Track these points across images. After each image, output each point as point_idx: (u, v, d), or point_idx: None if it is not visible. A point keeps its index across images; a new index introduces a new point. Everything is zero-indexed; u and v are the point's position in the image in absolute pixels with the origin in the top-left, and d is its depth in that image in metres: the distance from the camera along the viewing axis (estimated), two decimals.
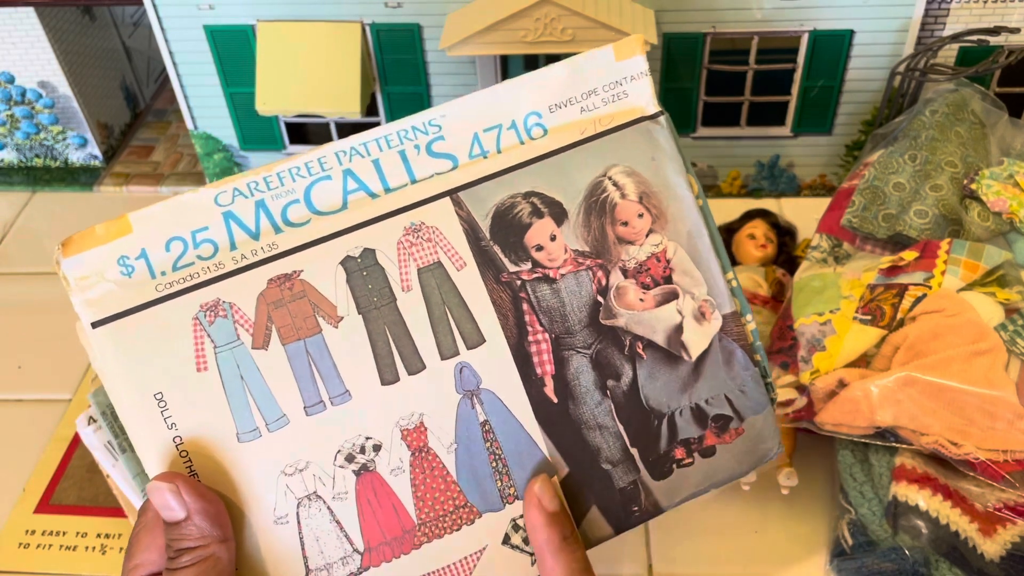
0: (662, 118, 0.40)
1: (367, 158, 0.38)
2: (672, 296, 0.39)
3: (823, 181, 0.81)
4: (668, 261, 0.39)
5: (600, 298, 0.39)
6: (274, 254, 0.37)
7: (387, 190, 0.38)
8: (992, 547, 0.47)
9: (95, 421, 0.42)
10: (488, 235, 0.38)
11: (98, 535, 0.58)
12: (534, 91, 0.39)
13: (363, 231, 0.37)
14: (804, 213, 0.74)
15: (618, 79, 0.40)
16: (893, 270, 0.55)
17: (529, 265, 0.38)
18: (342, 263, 0.37)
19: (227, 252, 0.36)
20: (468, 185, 0.38)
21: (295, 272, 0.37)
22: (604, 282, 0.39)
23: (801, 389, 0.53)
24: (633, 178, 0.39)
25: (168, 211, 0.36)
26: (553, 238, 0.38)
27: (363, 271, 0.37)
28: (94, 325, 0.35)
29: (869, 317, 0.53)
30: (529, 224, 0.38)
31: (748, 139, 0.79)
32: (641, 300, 0.39)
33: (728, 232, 0.72)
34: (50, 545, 0.57)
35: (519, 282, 0.38)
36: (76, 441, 0.63)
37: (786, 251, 0.69)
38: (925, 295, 0.52)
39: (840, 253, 0.61)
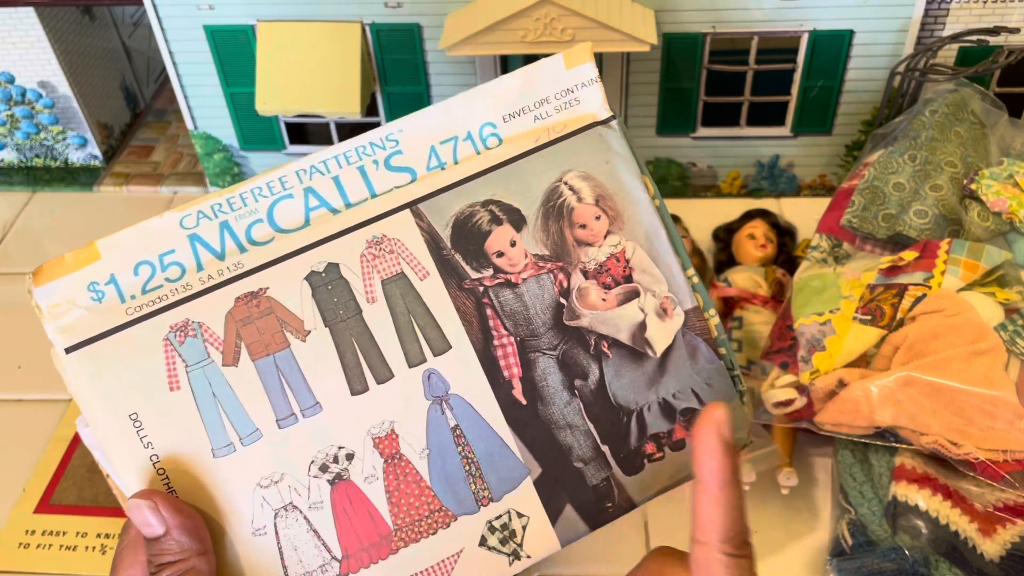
0: (614, 122, 0.41)
1: (327, 175, 0.39)
2: (633, 295, 0.40)
3: (823, 181, 0.81)
4: (627, 261, 0.40)
5: (563, 300, 0.39)
6: (240, 273, 0.38)
7: (348, 205, 0.39)
8: (992, 547, 0.47)
9: None
10: (449, 244, 0.39)
11: (98, 535, 0.58)
12: (487, 102, 0.40)
13: (326, 246, 0.38)
14: (804, 213, 0.74)
15: (569, 87, 0.41)
16: (893, 270, 0.55)
17: (491, 271, 0.39)
18: (307, 278, 0.38)
19: (194, 273, 0.37)
20: (427, 196, 0.39)
21: (261, 289, 0.38)
22: (566, 284, 0.40)
23: (801, 389, 0.53)
24: (589, 182, 0.40)
25: (135, 236, 0.37)
26: (513, 244, 0.39)
27: (328, 285, 0.38)
28: (68, 351, 0.36)
29: (869, 317, 0.53)
30: (489, 231, 0.39)
31: (748, 139, 0.79)
32: (603, 300, 0.40)
33: (728, 232, 0.72)
34: (50, 545, 0.57)
35: (482, 288, 0.39)
36: (76, 441, 0.63)
37: (786, 251, 0.69)
38: (925, 295, 0.52)
39: (840, 253, 0.61)
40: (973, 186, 0.59)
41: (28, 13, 0.79)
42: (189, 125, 0.81)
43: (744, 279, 0.66)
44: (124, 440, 0.36)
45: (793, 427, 0.55)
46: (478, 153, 0.40)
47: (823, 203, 0.66)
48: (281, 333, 0.37)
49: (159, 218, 0.38)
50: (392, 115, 0.78)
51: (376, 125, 0.79)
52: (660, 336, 0.40)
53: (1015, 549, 0.46)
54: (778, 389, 0.53)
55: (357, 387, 0.37)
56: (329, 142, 0.82)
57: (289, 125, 0.81)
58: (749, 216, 0.72)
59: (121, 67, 0.93)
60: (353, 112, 0.72)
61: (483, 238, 0.39)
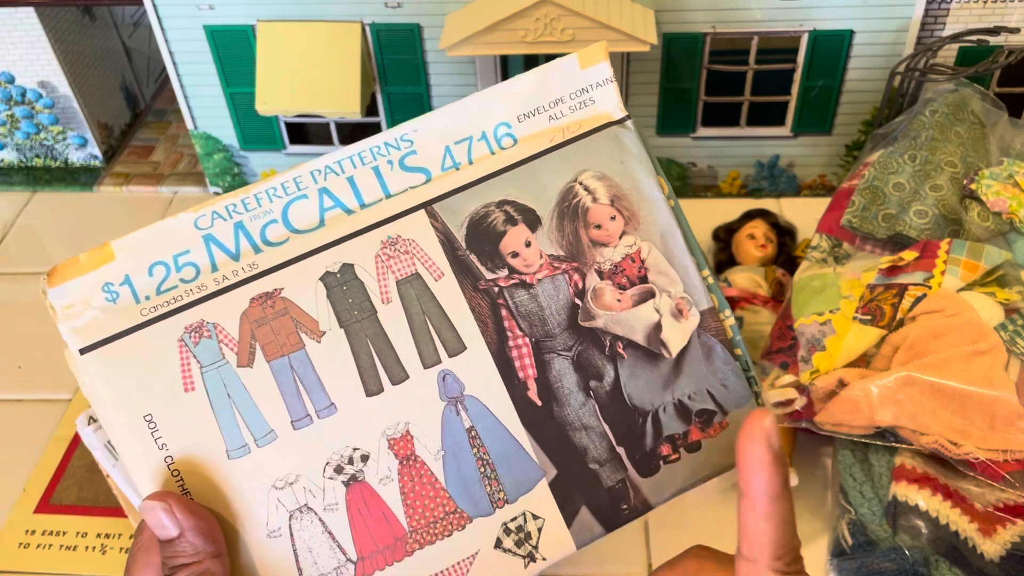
0: (629, 122, 0.41)
1: (342, 175, 0.39)
2: (649, 295, 0.40)
3: (823, 181, 0.81)
4: (643, 261, 0.40)
5: (578, 300, 0.39)
6: (255, 273, 0.37)
7: (363, 206, 0.39)
8: (992, 547, 0.47)
9: (95, 421, 0.42)
10: (464, 244, 0.39)
11: (98, 535, 0.58)
12: (502, 102, 0.40)
13: (341, 247, 0.38)
14: (804, 213, 0.74)
15: (584, 86, 0.41)
16: (893, 270, 0.55)
17: (506, 272, 0.39)
18: (322, 279, 0.38)
19: (209, 274, 0.37)
20: (442, 197, 0.39)
21: (276, 290, 0.37)
22: (581, 285, 0.39)
23: (801, 389, 0.53)
24: (604, 182, 0.40)
25: (149, 237, 0.37)
26: (528, 244, 0.39)
27: (343, 286, 0.38)
28: (82, 351, 0.36)
29: (869, 317, 0.53)
30: (503, 232, 0.39)
31: (748, 139, 0.79)
32: (618, 300, 0.39)
33: (728, 232, 0.72)
34: (50, 545, 0.57)
35: (496, 289, 0.39)
36: (76, 441, 0.63)
37: (786, 251, 0.69)
38: (925, 295, 0.52)
39: (840, 253, 0.61)
40: (973, 186, 0.59)
41: (28, 13, 0.79)
42: (189, 125, 0.81)
43: (744, 279, 0.66)
44: (138, 441, 0.36)
45: (793, 427, 0.55)
46: (493, 153, 0.40)
47: (823, 203, 0.66)
48: (296, 334, 0.37)
49: (174, 219, 0.37)
50: (392, 115, 0.78)
51: (376, 125, 0.79)
52: (675, 337, 0.39)
53: (1015, 549, 0.46)
54: (778, 389, 0.53)
55: (372, 388, 0.37)
56: (329, 142, 0.82)
57: (289, 125, 0.81)
58: (749, 216, 0.72)
59: (121, 67, 0.93)
60: (353, 112, 0.72)
61: (498, 238, 0.39)
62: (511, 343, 0.39)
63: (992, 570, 0.46)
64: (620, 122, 0.41)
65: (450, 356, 0.38)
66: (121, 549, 0.57)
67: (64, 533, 0.58)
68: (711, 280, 0.41)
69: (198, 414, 0.36)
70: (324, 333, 0.37)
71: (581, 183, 0.40)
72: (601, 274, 0.39)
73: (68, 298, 0.36)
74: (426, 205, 0.39)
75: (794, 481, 0.53)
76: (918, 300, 0.52)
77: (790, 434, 0.56)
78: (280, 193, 0.38)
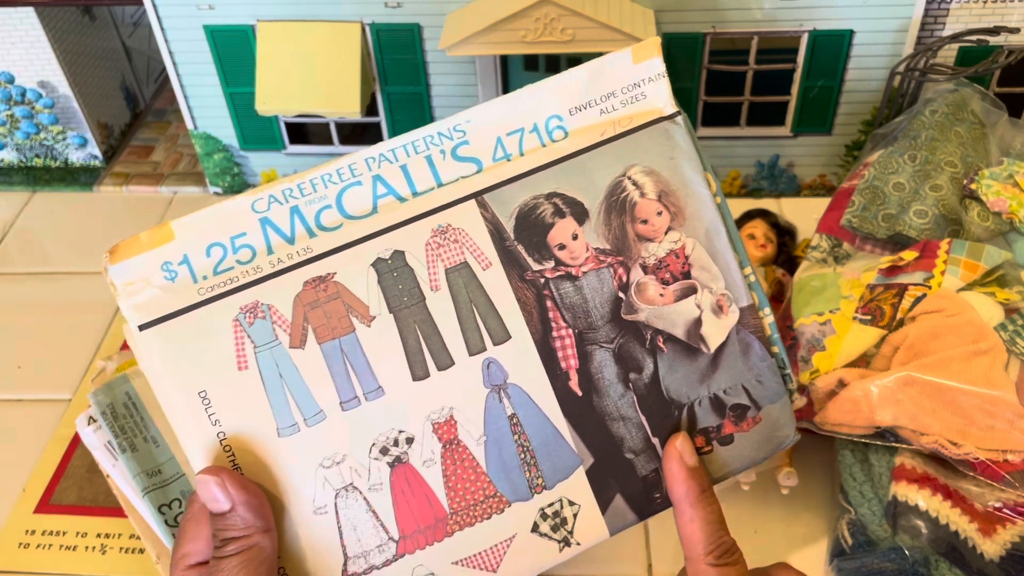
0: (679, 118, 0.41)
1: (395, 164, 0.39)
2: (691, 291, 0.40)
3: (823, 181, 0.81)
4: (687, 257, 0.40)
5: (621, 294, 0.40)
6: (309, 257, 0.38)
7: (415, 194, 0.39)
8: (992, 547, 0.47)
9: (95, 421, 0.42)
10: (512, 235, 0.39)
11: (98, 535, 0.58)
12: (555, 95, 0.40)
13: (393, 234, 0.39)
14: (804, 213, 0.74)
15: (636, 81, 0.41)
16: (893, 270, 0.55)
17: (552, 264, 0.40)
18: (373, 265, 0.38)
19: (264, 256, 0.38)
20: (492, 187, 0.40)
21: (329, 274, 0.38)
22: (625, 279, 0.40)
23: (801, 389, 0.53)
24: (652, 177, 0.40)
25: (208, 218, 0.38)
26: (575, 237, 0.40)
27: (393, 272, 0.39)
28: (141, 328, 0.37)
29: (869, 317, 0.53)
30: (552, 224, 0.39)
31: (748, 139, 0.79)
32: (661, 295, 0.40)
33: None
34: (50, 545, 0.57)
35: (543, 280, 0.39)
36: (76, 441, 0.63)
37: (786, 251, 0.69)
38: (925, 295, 0.52)
39: (840, 253, 0.61)
40: (973, 186, 0.59)
41: (28, 13, 0.79)
42: (189, 125, 0.81)
43: None
44: (193, 417, 0.37)
45: None
46: (544, 145, 0.40)
47: (823, 203, 0.66)
48: (347, 317, 0.38)
49: (232, 201, 0.38)
50: (392, 115, 0.78)
51: (376, 125, 0.79)
52: (715, 332, 0.40)
53: (1015, 549, 0.46)
54: None
55: (419, 373, 0.38)
56: (329, 142, 0.82)
57: (289, 125, 0.81)
58: (749, 216, 0.72)
59: (121, 67, 0.93)
60: (353, 112, 0.72)
61: (546, 230, 0.39)
62: (555, 334, 0.39)
63: (992, 570, 0.46)
64: (671, 117, 0.41)
65: (495, 344, 0.39)
66: (121, 549, 0.57)
67: (64, 533, 0.58)
68: (752, 278, 0.41)
69: (251, 392, 0.37)
70: (374, 318, 0.38)
71: (630, 178, 0.40)
72: (645, 268, 0.40)
73: (129, 275, 0.37)
74: (476, 195, 0.39)
75: (793, 481, 0.54)
76: (918, 300, 0.52)
77: None
78: (335, 179, 0.39)
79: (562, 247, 0.39)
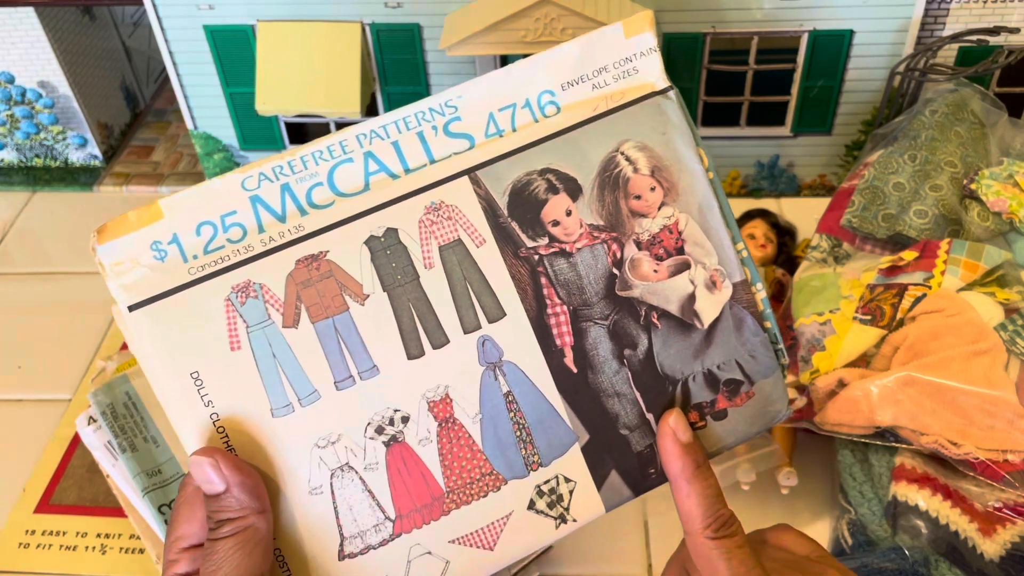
0: (671, 92, 0.41)
1: (387, 140, 0.39)
2: (684, 267, 0.40)
3: (823, 181, 0.81)
4: (680, 233, 0.40)
5: (615, 270, 0.40)
6: (301, 236, 0.38)
7: (407, 171, 0.39)
8: (992, 547, 0.47)
9: (95, 421, 0.42)
10: (506, 212, 0.39)
11: (98, 535, 0.58)
12: (547, 70, 0.40)
13: (385, 211, 0.38)
14: (804, 213, 0.74)
15: (628, 56, 0.41)
16: (893, 270, 0.55)
17: (546, 240, 0.39)
18: (366, 243, 0.38)
19: (255, 235, 0.38)
20: (485, 164, 0.39)
21: (321, 252, 0.38)
22: (619, 255, 0.40)
23: (801, 389, 0.53)
24: (645, 152, 0.40)
25: (197, 196, 0.37)
26: (569, 213, 0.40)
27: (387, 250, 0.38)
28: (131, 308, 0.36)
29: (869, 317, 0.53)
30: (545, 200, 0.39)
31: (748, 139, 0.79)
32: (655, 271, 0.40)
33: None
34: (50, 545, 0.57)
35: (537, 257, 0.39)
36: (76, 441, 0.63)
37: (786, 251, 0.69)
38: (925, 295, 0.52)
39: (840, 253, 0.61)
40: (973, 186, 0.59)
41: (28, 13, 0.79)
42: (189, 125, 0.81)
43: None
44: (185, 398, 0.36)
45: (793, 427, 0.55)
46: (536, 121, 0.40)
47: (823, 203, 0.66)
48: (340, 296, 0.38)
49: (221, 179, 0.38)
50: None
51: None
52: (708, 308, 0.40)
53: (1015, 549, 0.46)
54: None
55: (413, 351, 0.38)
56: None
57: (289, 125, 0.81)
58: (749, 216, 0.72)
59: (121, 67, 0.93)
60: (353, 112, 0.72)
61: (539, 207, 0.39)
62: (549, 311, 0.39)
63: (992, 570, 0.46)
64: (663, 92, 0.41)
65: (490, 322, 0.39)
66: (121, 549, 0.57)
67: (64, 533, 0.58)
68: (745, 253, 0.41)
69: (244, 373, 0.37)
70: (368, 296, 0.38)
71: (623, 153, 0.40)
72: (639, 244, 0.40)
73: (117, 255, 0.37)
74: (469, 172, 0.39)
75: (793, 481, 0.54)
76: (918, 300, 0.52)
77: (790, 434, 0.56)
78: (326, 156, 0.39)
79: (556, 223, 0.39)
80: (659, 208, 0.40)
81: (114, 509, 0.59)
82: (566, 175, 0.40)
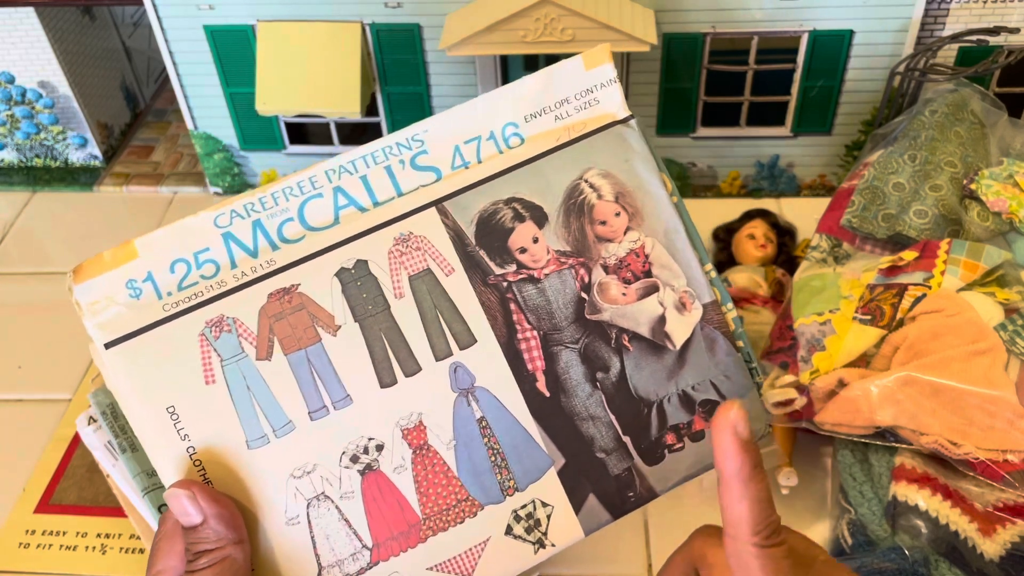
0: (632, 121, 0.42)
1: (355, 175, 0.40)
2: (653, 289, 0.41)
3: (823, 181, 0.81)
4: (647, 256, 0.41)
5: (584, 295, 0.40)
6: (272, 270, 0.39)
7: (376, 204, 0.40)
8: (992, 547, 0.47)
9: (95, 421, 0.42)
10: (474, 241, 0.40)
11: (98, 535, 0.58)
12: (510, 102, 0.41)
13: (355, 244, 0.39)
14: (804, 213, 0.74)
15: (588, 87, 0.42)
16: (893, 270, 0.55)
17: (514, 267, 0.40)
18: (337, 275, 0.39)
19: (228, 270, 0.38)
20: (452, 195, 0.40)
21: (293, 286, 0.39)
22: (587, 279, 0.40)
23: (801, 389, 0.53)
24: (608, 179, 0.41)
25: (171, 235, 0.38)
26: (535, 240, 0.40)
27: (357, 281, 0.39)
28: (107, 346, 0.37)
29: (869, 317, 0.53)
30: (512, 228, 0.40)
31: (748, 139, 0.79)
32: (624, 294, 0.41)
33: (728, 232, 0.72)
34: (50, 545, 0.57)
35: (505, 284, 0.40)
36: (76, 441, 0.63)
37: (786, 251, 0.69)
38: (925, 295, 0.52)
39: (840, 253, 0.61)
40: (973, 186, 0.59)
41: (28, 13, 0.79)
42: (189, 125, 0.81)
43: (744, 279, 0.66)
44: (162, 432, 0.37)
45: (793, 427, 0.55)
46: (501, 152, 0.41)
47: (823, 203, 0.66)
48: (312, 328, 0.38)
49: (194, 217, 0.39)
50: (392, 115, 0.78)
51: (376, 125, 0.79)
52: (679, 329, 0.41)
53: (1015, 549, 0.46)
54: (778, 389, 0.53)
55: (386, 380, 0.38)
56: (329, 142, 0.82)
57: (289, 125, 0.81)
58: (749, 216, 0.72)
59: (121, 67, 0.93)
60: (353, 112, 0.72)
61: (507, 235, 0.40)
62: (520, 336, 0.40)
63: (992, 570, 0.46)
64: (624, 121, 0.42)
65: (461, 349, 0.39)
66: (121, 549, 0.57)
67: (64, 533, 0.58)
68: (713, 274, 0.42)
69: (219, 406, 0.37)
70: (340, 327, 0.38)
71: (586, 181, 0.41)
72: (607, 268, 0.40)
73: (93, 294, 0.38)
74: (437, 203, 0.40)
75: (793, 481, 0.54)
76: (918, 300, 0.52)
77: (790, 434, 0.56)
78: (296, 192, 0.39)
79: (523, 250, 0.40)
80: (625, 233, 0.41)
81: (114, 509, 0.59)
82: (531, 203, 0.40)
